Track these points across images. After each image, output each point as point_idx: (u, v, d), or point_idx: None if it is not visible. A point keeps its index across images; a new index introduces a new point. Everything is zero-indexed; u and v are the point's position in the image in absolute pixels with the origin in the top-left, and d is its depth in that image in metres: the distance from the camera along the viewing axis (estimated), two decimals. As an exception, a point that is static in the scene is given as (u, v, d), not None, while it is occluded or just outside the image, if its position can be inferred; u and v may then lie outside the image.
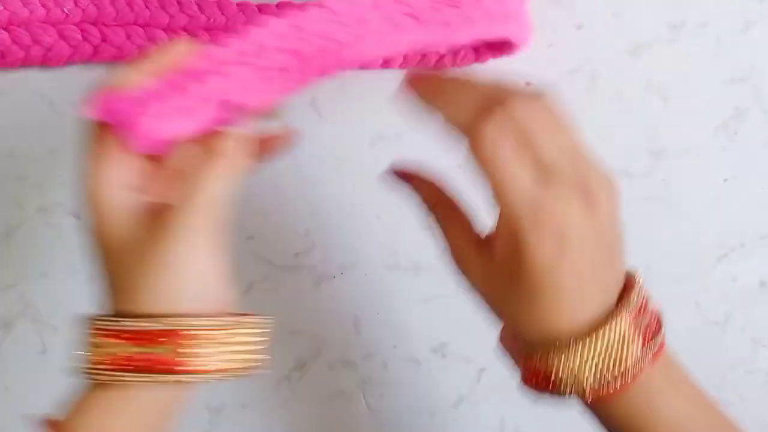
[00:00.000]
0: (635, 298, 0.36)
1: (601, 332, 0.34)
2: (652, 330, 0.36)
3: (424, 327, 0.52)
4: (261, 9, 0.48)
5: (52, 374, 0.48)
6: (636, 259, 0.53)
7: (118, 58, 0.48)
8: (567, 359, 0.35)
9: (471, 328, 0.52)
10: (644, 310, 0.36)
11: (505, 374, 0.53)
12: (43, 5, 0.46)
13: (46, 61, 0.47)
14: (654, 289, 0.54)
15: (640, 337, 0.35)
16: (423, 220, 0.51)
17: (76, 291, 0.48)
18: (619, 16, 0.53)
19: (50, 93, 0.48)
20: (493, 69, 0.51)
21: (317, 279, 0.50)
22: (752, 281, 0.54)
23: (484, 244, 0.37)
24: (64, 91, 0.48)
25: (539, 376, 0.36)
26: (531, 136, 0.34)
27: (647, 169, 0.53)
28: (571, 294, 0.34)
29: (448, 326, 0.52)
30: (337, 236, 0.51)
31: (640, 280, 0.37)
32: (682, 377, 0.37)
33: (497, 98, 0.35)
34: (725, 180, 0.54)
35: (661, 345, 0.36)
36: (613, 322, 0.34)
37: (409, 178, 0.42)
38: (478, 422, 0.52)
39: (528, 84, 0.50)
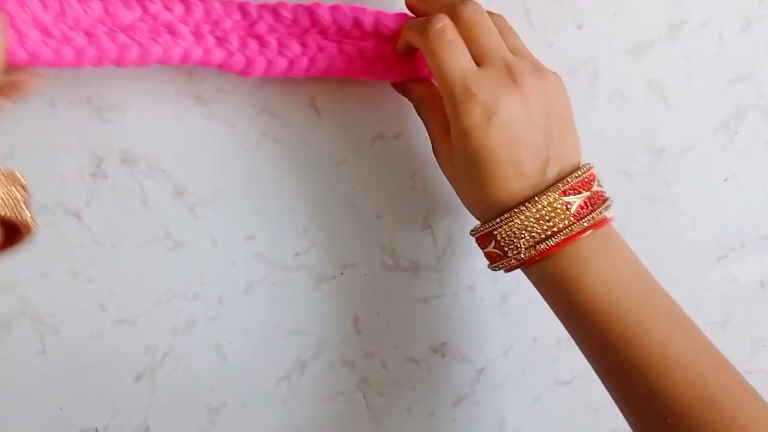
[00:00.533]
0: (570, 179, 0.41)
1: (534, 201, 0.41)
2: (588, 208, 0.41)
3: (424, 327, 0.52)
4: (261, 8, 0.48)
5: (52, 374, 0.48)
6: (636, 259, 0.53)
7: (120, 60, 0.48)
8: (506, 225, 0.42)
9: (471, 328, 0.52)
10: (581, 189, 0.41)
11: (505, 374, 0.53)
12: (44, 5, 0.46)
13: (48, 63, 0.46)
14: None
15: (571, 212, 0.41)
16: (423, 220, 0.51)
17: (76, 291, 0.48)
18: (619, 16, 0.53)
19: (50, 93, 0.48)
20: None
21: (317, 279, 0.51)
22: (752, 281, 0.54)
23: (447, 129, 0.43)
24: (64, 91, 0.48)
25: (489, 246, 0.43)
26: (470, 31, 0.42)
27: (647, 169, 0.53)
28: (506, 165, 0.41)
29: (448, 326, 0.52)
30: (337, 236, 0.51)
31: (587, 169, 0.42)
32: (620, 253, 0.42)
33: (447, 7, 0.43)
34: (725, 180, 0.54)
35: (600, 222, 0.42)
36: (545, 194, 0.41)
37: (403, 84, 0.48)
38: (478, 422, 0.52)
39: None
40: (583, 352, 0.43)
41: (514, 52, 0.43)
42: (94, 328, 0.49)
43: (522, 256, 0.42)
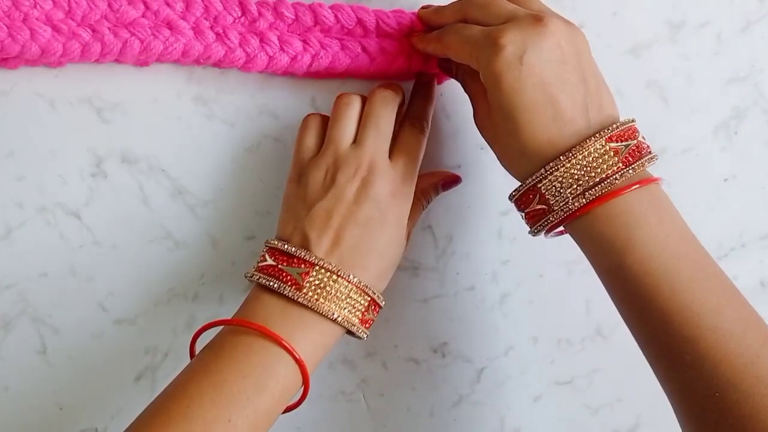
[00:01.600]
0: (614, 127, 0.40)
1: (580, 147, 0.39)
2: (635, 156, 0.40)
3: (424, 327, 0.52)
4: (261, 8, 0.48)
5: (52, 374, 0.48)
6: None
7: (121, 58, 0.48)
8: (551, 175, 0.40)
9: (471, 328, 0.52)
10: (626, 138, 0.40)
11: (505, 374, 0.53)
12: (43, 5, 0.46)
13: (49, 62, 0.46)
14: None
15: (619, 158, 0.40)
16: (423, 220, 0.51)
17: (76, 291, 0.48)
18: (619, 16, 0.53)
19: (50, 93, 0.48)
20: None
21: (317, 279, 0.50)
22: (752, 281, 0.54)
23: (483, 89, 0.42)
24: (64, 91, 0.48)
25: (532, 204, 0.41)
26: (485, 9, 0.43)
27: (647, 169, 0.53)
28: (544, 108, 0.40)
29: (448, 326, 0.52)
30: (337, 236, 0.51)
31: (629, 120, 0.41)
32: (670, 214, 0.40)
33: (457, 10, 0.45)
34: (725, 180, 0.54)
35: (651, 179, 0.40)
36: (591, 140, 0.39)
37: (443, 61, 0.48)
38: (478, 422, 0.52)
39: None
40: (624, 317, 0.41)
41: (537, 12, 0.42)
42: (94, 328, 0.49)
43: (570, 206, 0.40)
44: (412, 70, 0.49)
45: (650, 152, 0.41)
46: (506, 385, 0.53)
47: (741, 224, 0.54)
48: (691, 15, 0.53)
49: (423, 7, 0.48)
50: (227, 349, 0.41)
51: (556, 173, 0.40)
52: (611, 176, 0.39)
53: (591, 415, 0.53)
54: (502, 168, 0.52)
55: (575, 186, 0.40)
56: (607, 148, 0.40)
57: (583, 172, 0.40)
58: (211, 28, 0.46)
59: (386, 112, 0.45)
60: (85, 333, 0.49)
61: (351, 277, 0.42)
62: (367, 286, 0.43)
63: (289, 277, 0.42)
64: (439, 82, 0.50)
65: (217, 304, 0.50)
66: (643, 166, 0.41)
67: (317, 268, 0.42)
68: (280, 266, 0.42)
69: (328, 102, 0.50)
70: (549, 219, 0.41)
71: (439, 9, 0.46)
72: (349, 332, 0.43)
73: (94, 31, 0.44)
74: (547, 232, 0.42)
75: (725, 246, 0.54)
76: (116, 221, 0.49)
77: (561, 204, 0.40)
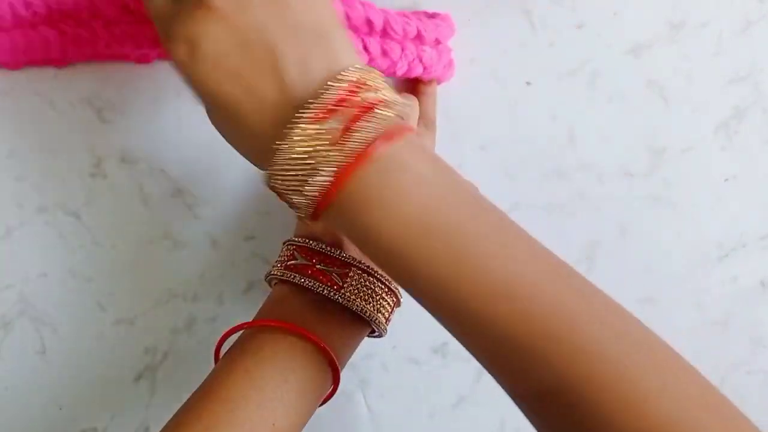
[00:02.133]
0: (316, 101, 0.32)
1: (283, 145, 0.32)
2: (353, 125, 0.32)
3: (424, 327, 0.52)
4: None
5: (52, 374, 0.48)
6: (637, 259, 0.53)
7: (122, 57, 0.48)
8: (270, 176, 0.34)
9: (471, 328, 0.52)
10: (338, 106, 0.32)
11: (505, 374, 0.53)
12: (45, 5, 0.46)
13: (50, 61, 0.47)
14: (654, 289, 0.54)
15: (330, 142, 0.32)
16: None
17: (76, 291, 0.48)
18: (619, 16, 0.53)
19: (50, 93, 0.48)
20: (493, 68, 0.51)
21: (317, 279, 0.50)
22: (752, 281, 0.54)
23: None
24: (64, 91, 0.48)
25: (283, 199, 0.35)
26: None
27: (647, 169, 0.53)
28: (235, 100, 0.33)
29: (448, 326, 0.52)
30: (337, 236, 0.51)
31: (342, 79, 0.33)
32: (419, 174, 0.32)
33: None
34: (725, 180, 0.54)
35: (382, 139, 0.32)
36: (290, 129, 0.32)
37: None
38: (478, 422, 0.52)
39: (528, 83, 0.50)
40: (444, 325, 0.35)
41: None
42: (94, 328, 0.49)
43: (304, 204, 0.34)
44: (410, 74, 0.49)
45: (376, 108, 0.33)
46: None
47: (741, 224, 0.54)
48: (691, 15, 0.53)
49: None
50: (267, 352, 0.40)
51: (276, 173, 0.34)
52: (330, 161, 0.32)
53: (591, 415, 0.53)
54: (503, 168, 0.52)
55: (293, 182, 0.33)
56: (310, 130, 0.32)
57: (295, 167, 0.33)
58: None
59: None
60: (85, 333, 0.49)
61: (383, 277, 0.42)
62: (397, 287, 0.42)
63: (327, 277, 0.41)
64: (439, 83, 0.50)
65: (217, 304, 0.50)
66: (363, 141, 0.32)
67: (354, 268, 0.41)
68: (316, 266, 0.41)
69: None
70: (301, 212, 0.35)
71: None
72: (370, 332, 0.44)
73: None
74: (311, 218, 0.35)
75: (725, 246, 0.54)
76: (116, 221, 0.49)
77: (297, 200, 0.34)
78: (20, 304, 0.48)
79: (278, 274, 0.42)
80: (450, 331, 0.35)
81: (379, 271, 0.42)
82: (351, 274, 0.41)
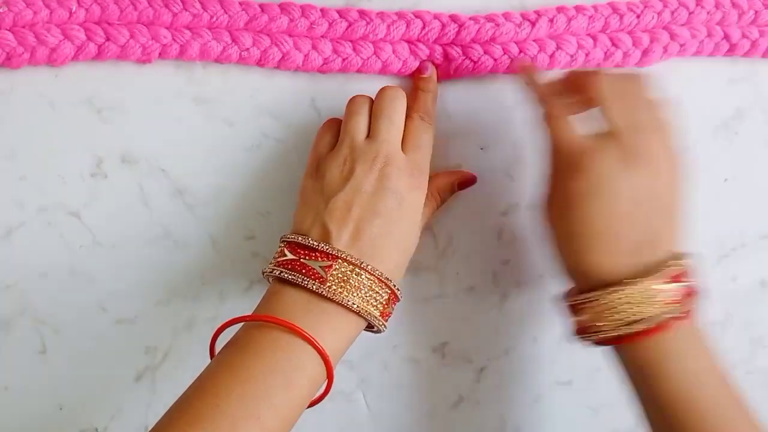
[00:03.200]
0: (665, 269, 0.42)
1: (635, 282, 0.41)
2: (677, 299, 0.42)
3: (424, 327, 0.52)
4: (263, 8, 0.48)
5: (52, 374, 0.48)
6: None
7: (122, 56, 0.48)
8: (596, 302, 0.42)
9: (471, 328, 0.52)
10: (676, 280, 0.42)
11: (505, 374, 0.53)
12: (47, 6, 0.46)
13: (51, 61, 0.47)
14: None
15: (662, 301, 0.41)
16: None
17: (76, 291, 0.48)
18: (619, 16, 0.52)
19: (50, 93, 0.48)
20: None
21: (317, 279, 0.50)
22: (752, 281, 0.54)
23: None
24: (64, 91, 0.48)
25: (575, 318, 0.44)
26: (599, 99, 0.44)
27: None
28: (604, 239, 0.42)
29: (448, 326, 0.52)
30: (337, 236, 0.51)
31: (686, 260, 0.43)
32: (703, 350, 0.43)
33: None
34: (725, 180, 0.54)
35: (688, 315, 0.42)
36: (648, 279, 0.41)
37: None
38: (478, 422, 0.52)
39: (528, 84, 0.50)
40: None
41: (642, 119, 0.43)
42: (94, 328, 0.49)
43: (613, 333, 0.42)
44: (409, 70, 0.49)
45: (697, 292, 0.43)
46: (506, 385, 0.53)
47: (741, 224, 0.54)
48: (691, 15, 0.53)
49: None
50: (253, 345, 0.40)
51: (601, 301, 0.42)
52: (657, 315, 0.41)
53: (591, 415, 0.53)
54: (503, 168, 0.52)
55: (616, 318, 0.42)
56: (660, 288, 0.42)
57: (632, 306, 0.42)
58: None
59: (397, 105, 0.46)
60: (85, 333, 0.49)
61: (372, 268, 0.42)
62: (388, 278, 0.43)
63: (312, 271, 0.42)
64: (439, 80, 0.50)
65: (217, 304, 0.50)
66: (686, 306, 0.42)
67: (340, 260, 0.42)
68: (302, 260, 0.42)
69: (328, 102, 0.50)
70: (593, 336, 0.43)
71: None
72: (368, 327, 0.44)
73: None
74: (595, 344, 0.44)
75: (725, 246, 0.54)
76: (116, 221, 0.49)
77: (606, 328, 0.42)
78: (20, 304, 0.48)
79: (268, 270, 0.43)
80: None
81: (369, 264, 0.42)
82: (335, 266, 0.41)
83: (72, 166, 0.48)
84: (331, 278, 0.41)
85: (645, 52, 0.51)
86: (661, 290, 0.42)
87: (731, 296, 0.54)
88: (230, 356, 0.41)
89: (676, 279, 0.42)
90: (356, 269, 0.42)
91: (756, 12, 0.52)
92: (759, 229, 0.54)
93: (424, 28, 0.50)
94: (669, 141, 0.43)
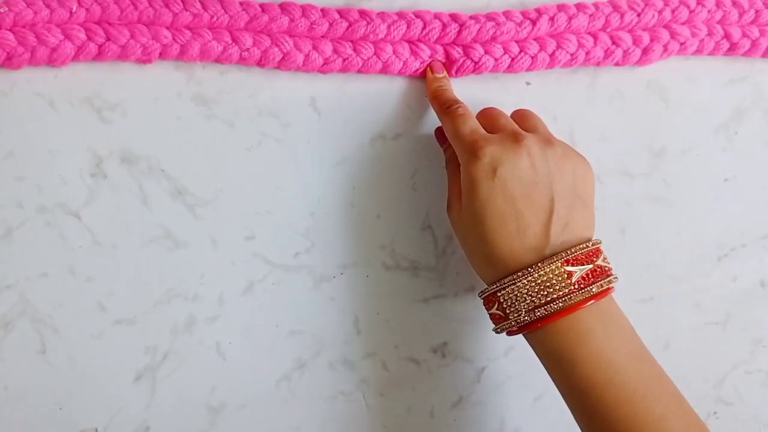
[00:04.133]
0: (574, 250, 0.43)
1: (537, 267, 0.42)
2: (589, 279, 0.43)
3: (424, 327, 0.52)
4: (264, 8, 0.48)
5: (52, 374, 0.48)
6: (636, 259, 0.53)
7: (123, 56, 0.48)
8: (509, 287, 0.43)
9: (471, 328, 0.52)
10: (585, 261, 0.43)
11: (505, 374, 0.53)
12: (47, 6, 0.46)
13: (51, 61, 0.47)
14: (654, 289, 0.54)
15: (572, 280, 0.42)
16: (423, 220, 0.51)
17: (76, 291, 0.48)
18: (620, 16, 0.53)
19: (50, 93, 0.48)
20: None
21: (317, 279, 0.51)
22: (752, 281, 0.54)
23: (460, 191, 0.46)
24: (64, 91, 0.48)
25: (493, 308, 0.45)
26: (487, 118, 0.47)
27: (647, 169, 0.53)
28: (509, 220, 0.43)
29: (448, 326, 0.52)
30: (337, 236, 0.51)
31: (593, 243, 0.44)
32: (618, 327, 0.43)
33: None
34: (725, 180, 0.54)
35: (601, 293, 0.43)
36: (547, 261, 0.42)
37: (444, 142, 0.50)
38: (478, 422, 0.52)
39: (528, 84, 0.50)
40: (577, 423, 0.44)
41: (529, 129, 0.46)
42: (94, 328, 0.49)
43: (522, 319, 0.43)
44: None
45: (609, 274, 0.44)
46: (506, 385, 0.53)
47: (741, 224, 0.54)
48: (691, 15, 0.53)
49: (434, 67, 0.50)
50: None
51: (512, 286, 0.43)
52: (562, 297, 0.42)
53: (591, 415, 0.54)
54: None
55: (528, 301, 0.43)
56: (562, 270, 0.42)
57: (537, 290, 0.42)
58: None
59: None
60: (85, 333, 0.49)
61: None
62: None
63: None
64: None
65: (217, 304, 0.50)
66: (598, 287, 0.43)
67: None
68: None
69: (328, 102, 0.50)
70: (505, 325, 0.45)
71: (447, 89, 0.49)
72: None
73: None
74: (507, 335, 0.46)
75: (725, 246, 0.54)
76: (116, 221, 0.49)
77: (515, 315, 0.43)
78: (20, 304, 0.48)
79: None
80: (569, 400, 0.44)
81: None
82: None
83: (72, 166, 0.48)
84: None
85: (645, 51, 0.51)
86: (569, 272, 0.42)
87: (731, 296, 0.54)
88: None
89: (585, 260, 0.43)
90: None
91: (757, 11, 0.52)
92: (759, 229, 0.54)
93: (424, 28, 0.50)
94: (551, 137, 0.46)
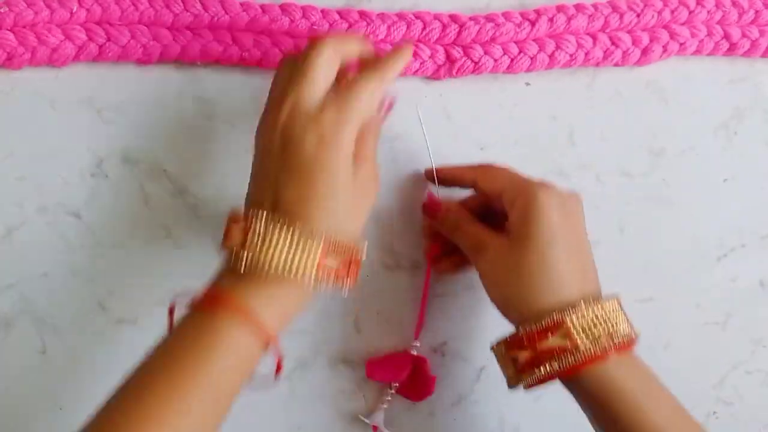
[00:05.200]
0: (611, 297, 0.43)
1: (602, 300, 0.42)
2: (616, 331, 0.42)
3: (424, 327, 0.52)
4: (264, 9, 0.48)
5: (52, 374, 0.48)
6: (636, 259, 0.53)
7: (123, 57, 0.48)
8: (580, 310, 0.42)
9: (471, 328, 0.52)
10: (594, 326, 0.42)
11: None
12: (48, 6, 0.46)
13: (52, 61, 0.47)
14: (654, 289, 0.54)
15: (626, 318, 0.43)
16: (423, 220, 0.51)
17: (76, 291, 0.48)
18: (619, 17, 0.53)
19: (50, 93, 0.48)
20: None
21: (317, 279, 0.50)
22: (752, 281, 0.54)
23: (497, 232, 0.45)
24: (64, 91, 0.48)
25: (545, 338, 0.42)
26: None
27: (647, 169, 0.53)
28: (573, 256, 0.43)
29: (448, 326, 0.52)
30: (337, 236, 0.51)
31: (602, 307, 0.43)
32: (645, 372, 0.43)
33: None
34: (725, 180, 0.54)
35: (626, 344, 0.42)
36: (606, 298, 0.42)
37: (433, 212, 0.50)
38: (478, 422, 0.52)
39: (527, 84, 0.50)
40: None
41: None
42: (94, 328, 0.49)
43: (599, 346, 0.41)
44: None
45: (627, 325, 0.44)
46: (506, 384, 0.53)
47: (741, 224, 0.54)
48: (690, 15, 0.53)
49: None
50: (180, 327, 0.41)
51: (585, 312, 0.42)
52: (627, 332, 0.42)
53: (591, 415, 0.53)
54: (502, 168, 0.52)
55: (602, 329, 0.42)
56: (618, 308, 0.43)
57: (606, 322, 0.42)
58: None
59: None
60: (85, 333, 0.49)
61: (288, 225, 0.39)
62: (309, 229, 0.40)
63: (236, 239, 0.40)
64: (441, 80, 0.50)
65: (218, 304, 0.50)
66: (620, 341, 0.43)
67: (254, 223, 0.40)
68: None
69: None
70: (568, 359, 0.42)
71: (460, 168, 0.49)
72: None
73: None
74: (542, 381, 0.43)
75: (725, 246, 0.54)
76: (116, 221, 0.49)
77: (585, 343, 0.41)
78: (20, 304, 0.48)
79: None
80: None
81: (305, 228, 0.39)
82: (257, 227, 0.39)
83: (72, 166, 0.48)
84: (249, 242, 0.39)
85: (644, 51, 0.51)
86: (621, 312, 0.43)
87: (731, 296, 0.54)
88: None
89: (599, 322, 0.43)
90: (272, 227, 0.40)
91: (756, 11, 0.52)
92: (759, 229, 0.54)
93: (424, 28, 0.50)
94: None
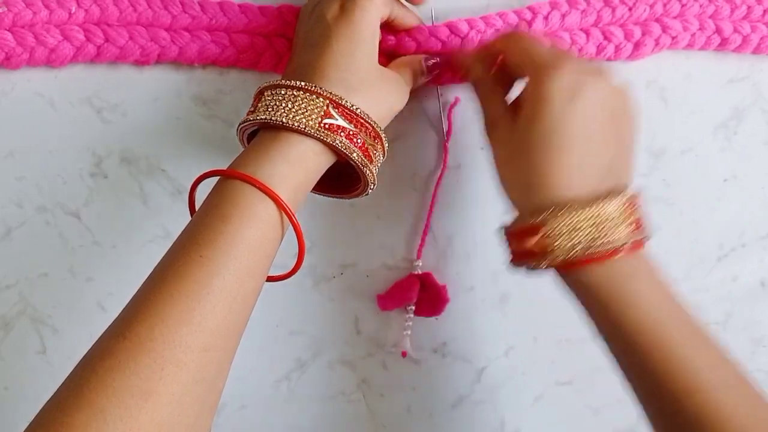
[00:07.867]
0: (628, 193, 0.41)
1: (599, 204, 0.40)
2: (637, 225, 0.41)
3: (424, 327, 0.52)
4: (261, 11, 0.48)
5: (52, 374, 0.48)
6: (636, 259, 0.53)
7: (121, 58, 0.48)
8: (562, 217, 0.40)
9: (471, 328, 0.52)
10: (635, 207, 0.41)
11: (505, 374, 0.53)
12: (46, 6, 0.46)
13: (50, 62, 0.47)
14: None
15: (626, 224, 0.40)
16: (423, 220, 0.51)
17: (76, 291, 0.48)
18: (619, 16, 0.52)
19: (50, 93, 0.48)
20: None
21: (317, 279, 0.51)
22: (752, 281, 0.54)
23: (511, 109, 0.43)
24: (64, 91, 0.48)
25: (530, 241, 0.41)
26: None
27: (647, 169, 0.53)
28: (577, 150, 0.40)
29: (448, 326, 0.52)
30: (337, 236, 0.51)
31: (638, 192, 0.42)
32: (659, 276, 0.41)
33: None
34: (725, 180, 0.54)
35: (641, 242, 0.41)
36: (609, 200, 0.40)
37: (464, 60, 0.47)
38: (478, 422, 0.52)
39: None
40: (624, 371, 0.42)
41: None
42: (94, 328, 0.49)
43: (571, 255, 0.40)
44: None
45: (647, 223, 0.42)
46: (506, 385, 0.53)
47: (741, 224, 0.54)
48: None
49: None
50: (209, 197, 0.41)
51: (567, 218, 0.40)
52: (617, 239, 0.40)
53: (592, 415, 0.53)
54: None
55: (582, 237, 0.40)
56: (621, 212, 0.40)
57: (593, 228, 0.40)
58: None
59: None
60: (85, 333, 0.48)
61: (318, 89, 0.41)
62: (349, 105, 0.41)
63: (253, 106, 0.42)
64: (442, 84, 0.50)
65: (217, 304, 0.50)
66: (645, 237, 0.41)
67: (268, 90, 0.42)
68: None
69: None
70: (542, 261, 0.41)
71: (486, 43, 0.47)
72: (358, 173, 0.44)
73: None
74: (538, 268, 0.42)
75: (725, 246, 0.54)
76: (116, 221, 0.49)
77: (563, 250, 0.40)
78: (20, 304, 0.48)
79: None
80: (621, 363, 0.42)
81: (310, 86, 0.41)
82: (266, 93, 0.42)
83: (72, 166, 0.48)
84: (261, 105, 0.42)
85: (637, 45, 0.51)
86: (621, 215, 0.40)
87: (731, 296, 0.54)
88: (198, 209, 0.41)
89: (633, 207, 0.41)
90: (291, 91, 0.41)
91: (749, 7, 0.52)
92: (759, 229, 0.54)
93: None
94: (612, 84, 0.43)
